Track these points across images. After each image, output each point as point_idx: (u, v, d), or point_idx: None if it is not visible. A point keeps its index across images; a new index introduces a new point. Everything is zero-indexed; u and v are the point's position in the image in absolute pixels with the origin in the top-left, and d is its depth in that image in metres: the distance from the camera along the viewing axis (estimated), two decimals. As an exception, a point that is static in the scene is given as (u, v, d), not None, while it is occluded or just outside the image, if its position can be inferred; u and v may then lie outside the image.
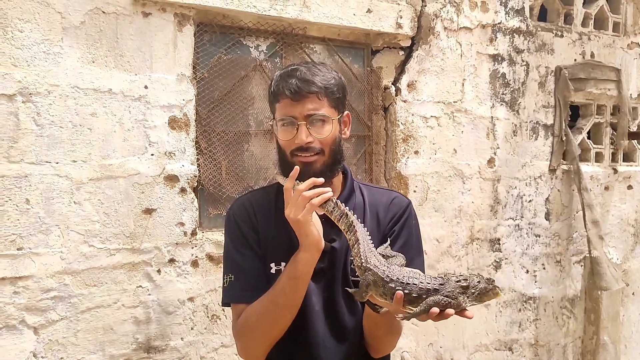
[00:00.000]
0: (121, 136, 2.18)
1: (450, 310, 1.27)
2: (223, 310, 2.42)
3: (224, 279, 1.59)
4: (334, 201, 1.45)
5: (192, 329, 2.36)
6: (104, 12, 2.12)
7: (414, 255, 1.57)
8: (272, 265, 1.56)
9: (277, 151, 1.59)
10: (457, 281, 1.27)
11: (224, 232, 1.66)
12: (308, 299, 1.51)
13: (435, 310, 1.26)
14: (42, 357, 2.07)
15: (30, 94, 2.00)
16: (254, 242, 1.58)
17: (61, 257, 2.09)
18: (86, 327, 2.15)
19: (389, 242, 1.54)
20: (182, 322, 2.33)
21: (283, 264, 1.53)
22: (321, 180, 1.44)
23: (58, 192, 2.07)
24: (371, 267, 1.35)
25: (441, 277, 1.30)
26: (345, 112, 1.60)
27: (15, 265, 2.01)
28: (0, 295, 1.99)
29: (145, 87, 2.22)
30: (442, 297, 1.26)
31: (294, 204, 1.40)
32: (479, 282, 1.28)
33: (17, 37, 1.97)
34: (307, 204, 1.39)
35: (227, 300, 1.59)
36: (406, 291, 1.28)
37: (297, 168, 1.42)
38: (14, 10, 1.96)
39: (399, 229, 1.59)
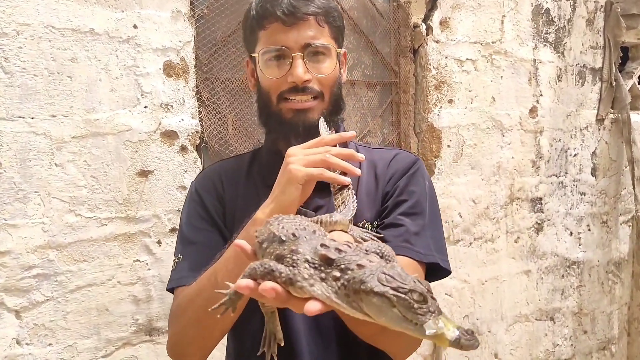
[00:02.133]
0: (108, 85, 1.84)
1: (266, 285, 0.71)
2: (234, 285, 2.12)
3: (173, 262, 1.23)
4: (349, 189, 1.06)
5: (199, 307, 2.07)
6: None
7: (427, 223, 1.17)
8: None
9: (256, 98, 1.23)
10: (324, 246, 0.73)
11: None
12: None
13: (246, 283, 0.73)
14: (26, 343, 1.79)
15: (-6, 34, 1.66)
16: (217, 215, 1.23)
17: (43, 228, 1.78)
18: (77, 308, 1.86)
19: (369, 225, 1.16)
20: (188, 300, 2.04)
21: None
22: (352, 133, 1.07)
23: (35, 152, 1.75)
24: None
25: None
26: (343, 49, 1.25)
27: (-12, 239, 1.71)
28: (-28, 275, 1.69)
29: (135, 26, 1.87)
30: (275, 264, 0.73)
31: (307, 155, 1.01)
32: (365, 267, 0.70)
33: (-27, -35, 1.62)
34: (319, 167, 1.00)
35: (170, 285, 1.21)
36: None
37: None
38: None
39: (403, 185, 1.19)
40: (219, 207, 1.24)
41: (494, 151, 2.68)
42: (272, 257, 0.75)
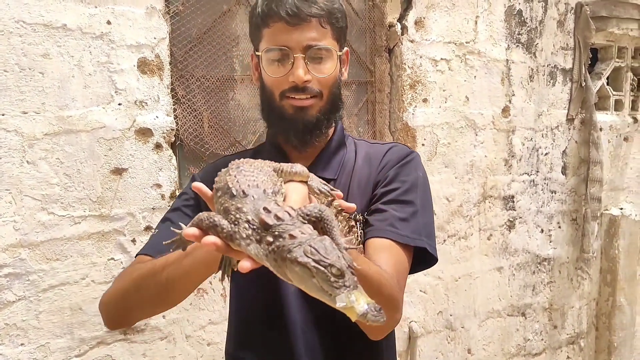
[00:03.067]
0: (81, 82, 1.82)
1: (209, 239, 0.77)
2: (210, 283, 2.11)
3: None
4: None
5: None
6: None
7: (416, 210, 1.18)
8: None
9: (260, 93, 1.26)
10: (266, 210, 0.78)
11: None
12: (280, 282, 1.11)
13: (192, 232, 0.79)
14: (-3, 344, 1.76)
15: (-37, 29, 1.63)
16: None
17: (14, 227, 1.75)
18: (50, 307, 1.84)
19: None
20: (163, 298, 2.02)
21: None
22: (340, 194, 1.04)
23: (6, 149, 1.72)
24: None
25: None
26: (345, 49, 1.28)
27: (-43, 238, 1.67)
28: (-59, 275, 1.66)
29: (108, 22, 1.84)
30: (219, 219, 0.79)
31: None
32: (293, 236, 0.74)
33: (-59, -42, 1.59)
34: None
35: (137, 253, 1.22)
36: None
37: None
38: None
39: (393, 174, 1.22)
40: None
41: (467, 150, 2.72)
42: (221, 208, 0.82)
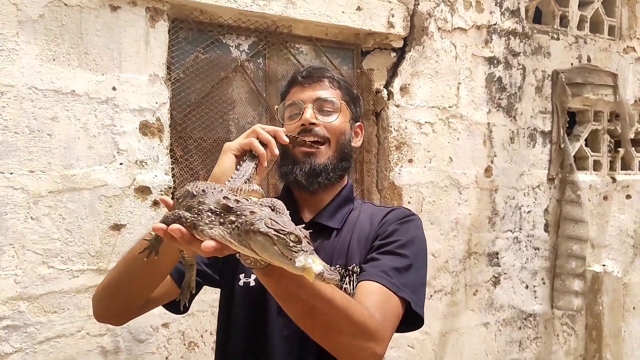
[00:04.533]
0: (86, 143, 1.94)
1: (174, 226, 0.87)
2: (202, 337, 2.18)
3: None
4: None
5: (166, 358, 2.11)
6: (66, 4, 1.89)
7: (410, 265, 1.25)
8: (241, 276, 1.35)
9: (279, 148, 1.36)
10: (226, 198, 0.89)
11: None
12: (265, 294, 1.18)
13: (159, 226, 0.89)
14: (-7, 396, 1.81)
15: (-21, 95, 1.76)
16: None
17: (15, 280, 1.83)
18: (45, 359, 1.89)
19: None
20: (155, 351, 2.08)
21: (253, 276, 1.33)
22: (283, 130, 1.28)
23: (12, 206, 1.82)
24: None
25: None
26: (358, 123, 1.50)
27: (-39, 290, 1.75)
28: (-58, 326, 1.73)
29: (114, 88, 1.99)
30: (183, 212, 0.89)
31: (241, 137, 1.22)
32: (251, 214, 0.85)
33: (-36, 31, 1.74)
34: (251, 134, 1.20)
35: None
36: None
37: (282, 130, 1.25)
38: (-39, 0, 1.73)
39: (392, 229, 1.31)
40: None
41: (452, 208, 2.84)
42: (184, 208, 0.91)
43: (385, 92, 2.62)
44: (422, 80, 2.71)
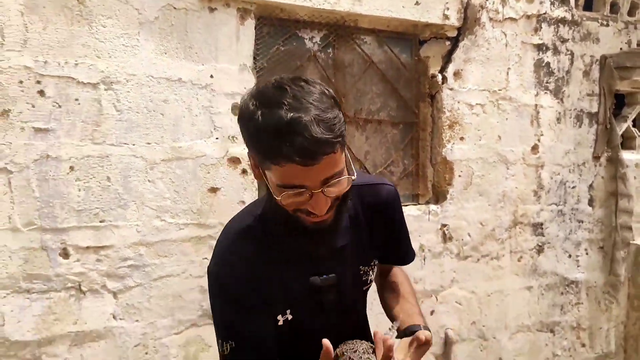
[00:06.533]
0: (189, 121, 2.39)
1: None
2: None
3: (222, 346, 1.24)
4: None
5: None
6: (175, 7, 2.33)
7: (408, 247, 1.54)
8: (279, 317, 1.27)
9: (267, 192, 1.23)
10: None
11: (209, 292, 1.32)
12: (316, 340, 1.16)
13: None
14: (120, 318, 2.31)
15: (111, 82, 2.23)
16: (258, 299, 1.24)
17: (137, 229, 2.32)
18: (158, 293, 2.37)
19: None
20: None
21: (288, 311, 1.27)
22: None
23: (134, 171, 2.30)
24: None
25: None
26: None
27: (98, 236, 2.25)
28: (85, 263, 2.23)
29: (211, 76, 2.42)
30: None
31: None
32: None
33: (100, 32, 2.20)
34: None
35: None
36: None
37: None
38: (98, 8, 2.19)
39: (391, 229, 1.46)
40: (257, 289, 1.26)
41: (500, 181, 3.14)
42: None
43: (440, 77, 2.94)
44: (474, 66, 3.01)
